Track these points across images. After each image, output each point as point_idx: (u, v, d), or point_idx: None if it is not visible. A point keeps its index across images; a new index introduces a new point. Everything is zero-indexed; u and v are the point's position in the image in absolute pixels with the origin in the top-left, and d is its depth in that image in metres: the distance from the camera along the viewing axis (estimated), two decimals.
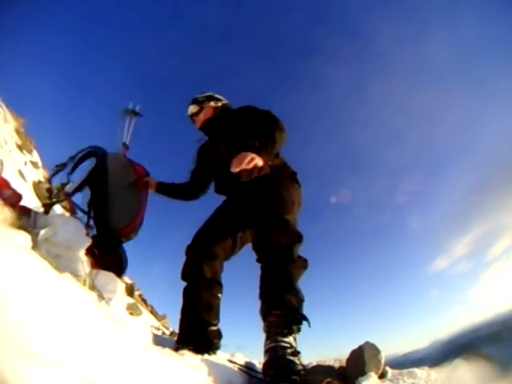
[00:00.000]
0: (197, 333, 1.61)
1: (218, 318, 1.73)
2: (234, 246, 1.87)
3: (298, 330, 1.41)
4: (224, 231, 1.84)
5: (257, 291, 1.58)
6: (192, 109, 2.17)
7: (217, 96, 2.19)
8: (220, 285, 1.79)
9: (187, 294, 1.74)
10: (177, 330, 1.82)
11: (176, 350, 1.41)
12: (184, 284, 1.77)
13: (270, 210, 1.65)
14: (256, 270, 1.65)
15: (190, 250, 1.82)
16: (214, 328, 1.68)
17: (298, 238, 1.61)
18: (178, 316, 1.74)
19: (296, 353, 1.32)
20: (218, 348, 1.66)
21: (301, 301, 1.48)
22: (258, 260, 1.64)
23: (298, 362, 1.29)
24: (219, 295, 1.76)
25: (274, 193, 1.72)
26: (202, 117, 2.12)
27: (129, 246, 2.15)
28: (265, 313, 1.47)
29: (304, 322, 1.43)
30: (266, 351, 1.34)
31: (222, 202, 2.02)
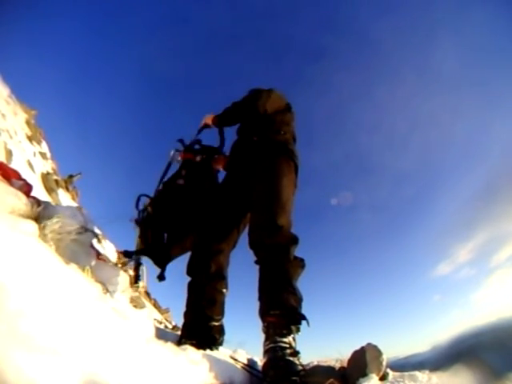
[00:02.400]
0: (199, 328, 1.62)
1: (221, 314, 1.74)
2: (238, 234, 1.90)
3: (297, 330, 1.41)
4: (228, 223, 1.86)
5: (256, 287, 1.58)
6: None
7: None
8: (224, 279, 1.79)
9: (191, 288, 1.75)
10: (179, 324, 1.84)
11: (179, 344, 1.42)
12: (188, 279, 1.79)
13: (263, 216, 1.65)
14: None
15: (196, 246, 1.83)
16: (217, 323, 1.68)
17: (293, 240, 1.61)
18: (181, 310, 1.75)
19: (295, 353, 1.32)
20: (220, 344, 1.65)
21: (299, 300, 1.48)
22: (256, 261, 1.64)
23: (297, 362, 1.29)
24: (223, 290, 1.77)
25: (267, 189, 1.71)
26: None
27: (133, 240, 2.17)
28: (263, 313, 1.46)
29: (303, 322, 1.43)
30: (266, 352, 1.34)
31: (222, 180, 2.06)
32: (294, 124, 2.14)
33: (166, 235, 2.00)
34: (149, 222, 1.96)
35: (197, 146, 2.11)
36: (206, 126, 2.10)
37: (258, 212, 1.70)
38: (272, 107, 1.98)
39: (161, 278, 1.91)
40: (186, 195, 1.94)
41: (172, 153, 2.05)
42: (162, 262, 1.93)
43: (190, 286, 1.76)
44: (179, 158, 2.04)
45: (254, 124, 1.99)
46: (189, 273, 1.78)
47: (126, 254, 1.99)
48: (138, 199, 2.05)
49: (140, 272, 1.93)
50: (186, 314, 1.71)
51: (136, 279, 1.90)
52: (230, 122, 2.08)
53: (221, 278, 1.77)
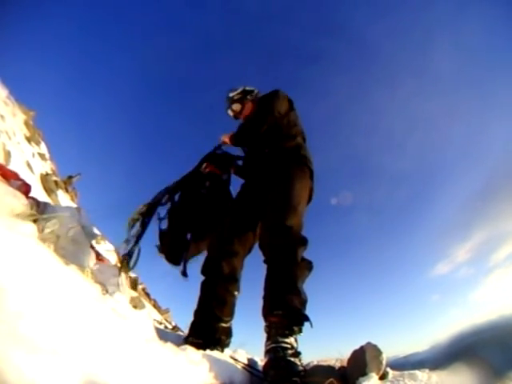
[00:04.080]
0: (206, 328, 1.63)
1: (231, 315, 1.74)
2: (254, 239, 1.90)
3: (300, 330, 1.42)
4: (244, 227, 1.87)
5: (258, 288, 1.59)
6: (236, 107, 2.28)
7: (249, 89, 2.31)
8: (237, 282, 1.80)
9: (203, 288, 1.76)
10: (179, 325, 1.85)
11: (185, 341, 1.43)
12: (201, 279, 1.81)
13: (273, 217, 1.67)
14: (262, 264, 1.66)
15: (211, 247, 1.85)
16: (225, 325, 1.68)
17: (301, 241, 1.63)
18: (181, 310, 1.76)
19: (297, 354, 1.33)
20: (226, 345, 1.66)
21: (304, 302, 1.48)
22: (265, 261, 1.65)
23: (298, 362, 1.30)
24: (235, 292, 1.78)
25: (279, 194, 1.74)
26: (245, 112, 2.23)
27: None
28: (266, 313, 1.47)
29: (306, 323, 1.43)
30: (267, 352, 1.35)
31: (240, 188, 2.08)
32: (300, 121, 2.13)
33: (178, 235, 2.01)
34: (170, 219, 1.98)
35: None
36: (224, 143, 2.07)
37: (269, 213, 1.72)
38: (283, 110, 1.99)
39: (184, 274, 1.90)
40: (206, 204, 1.97)
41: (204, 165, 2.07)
42: (176, 259, 1.93)
43: (203, 285, 1.78)
44: (206, 170, 2.05)
45: (263, 135, 1.97)
46: (203, 272, 1.80)
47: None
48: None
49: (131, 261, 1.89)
50: (196, 313, 1.72)
51: (126, 265, 1.85)
52: (247, 138, 2.00)
53: (233, 280, 1.78)
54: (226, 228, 1.87)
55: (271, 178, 1.84)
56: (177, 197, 2.02)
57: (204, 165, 2.06)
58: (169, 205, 2.00)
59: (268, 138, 1.97)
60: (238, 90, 2.29)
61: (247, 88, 2.30)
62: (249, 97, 2.26)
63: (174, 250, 1.95)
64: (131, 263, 1.81)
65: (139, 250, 1.87)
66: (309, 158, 1.95)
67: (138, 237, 1.89)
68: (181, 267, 1.91)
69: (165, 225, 1.98)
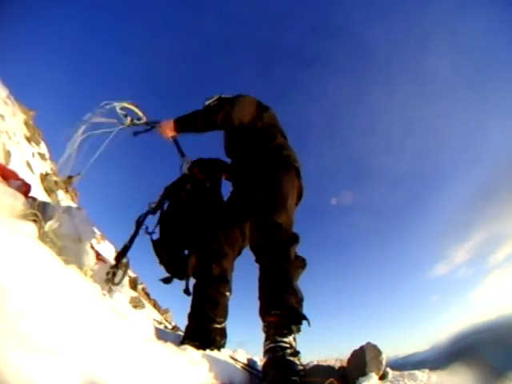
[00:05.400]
0: (201, 330, 1.63)
1: (224, 316, 1.74)
2: (243, 241, 1.89)
3: (298, 329, 1.41)
4: (232, 229, 1.87)
5: (256, 287, 1.59)
6: None
7: (225, 96, 2.24)
8: (228, 283, 1.80)
9: (195, 291, 1.77)
10: (179, 325, 1.85)
11: (181, 345, 1.43)
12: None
13: (262, 216, 1.66)
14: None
15: (201, 250, 1.85)
16: (219, 326, 1.68)
17: (293, 239, 1.61)
18: (181, 310, 1.76)
19: (296, 353, 1.32)
20: (221, 346, 1.66)
21: (300, 300, 1.48)
22: (257, 260, 1.65)
23: (297, 362, 1.29)
24: (226, 293, 1.77)
25: (265, 192, 1.73)
26: None
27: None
28: (264, 313, 1.47)
29: (304, 322, 1.43)
30: (266, 352, 1.35)
31: (230, 192, 2.06)
32: (276, 120, 2.08)
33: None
34: (162, 237, 1.92)
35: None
36: (168, 136, 1.92)
37: (257, 212, 1.72)
38: (247, 117, 1.90)
39: (187, 292, 1.84)
40: (187, 209, 1.93)
41: (186, 163, 2.00)
42: (182, 274, 1.89)
43: (194, 288, 1.78)
44: (190, 172, 2.00)
45: (241, 143, 1.94)
46: (194, 275, 1.81)
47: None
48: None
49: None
50: (189, 316, 1.73)
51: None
52: (197, 128, 1.86)
53: (224, 281, 1.77)
54: (214, 231, 1.86)
55: (256, 180, 1.82)
56: (165, 206, 1.97)
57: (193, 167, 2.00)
58: (158, 215, 1.95)
59: (247, 146, 1.93)
60: (214, 98, 2.20)
61: (223, 96, 2.21)
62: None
63: (176, 266, 1.89)
64: (116, 279, 1.77)
65: (126, 266, 1.82)
66: (292, 157, 1.90)
67: (124, 250, 1.84)
68: (183, 285, 1.86)
69: (156, 236, 1.91)
